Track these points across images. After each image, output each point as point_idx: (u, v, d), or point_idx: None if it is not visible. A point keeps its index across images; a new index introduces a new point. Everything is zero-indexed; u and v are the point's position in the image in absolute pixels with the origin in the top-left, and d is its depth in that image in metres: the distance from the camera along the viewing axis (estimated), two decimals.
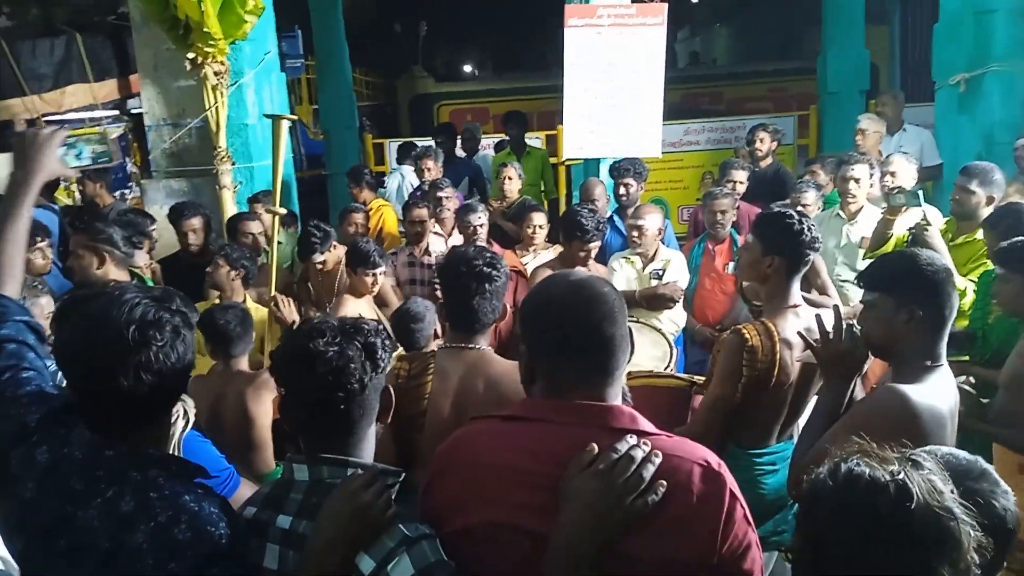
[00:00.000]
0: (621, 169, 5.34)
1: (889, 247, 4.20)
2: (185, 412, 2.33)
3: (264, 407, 3.19)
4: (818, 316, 2.34)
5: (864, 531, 1.16)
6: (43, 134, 2.03)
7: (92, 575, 1.40)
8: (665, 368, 3.78)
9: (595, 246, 4.31)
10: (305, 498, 1.52)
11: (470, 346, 2.44)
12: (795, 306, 2.67)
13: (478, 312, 2.42)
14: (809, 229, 2.67)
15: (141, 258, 4.54)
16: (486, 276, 2.42)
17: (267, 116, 3.76)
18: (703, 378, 2.96)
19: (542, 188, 7.62)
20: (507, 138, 7.91)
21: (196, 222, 5.10)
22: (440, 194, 5.66)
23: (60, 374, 3.27)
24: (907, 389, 2.01)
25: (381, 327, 1.63)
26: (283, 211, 4.18)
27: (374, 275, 4.13)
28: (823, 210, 5.22)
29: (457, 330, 2.48)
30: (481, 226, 4.66)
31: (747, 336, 2.58)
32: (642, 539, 1.34)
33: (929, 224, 3.88)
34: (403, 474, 1.57)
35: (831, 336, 2.28)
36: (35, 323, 1.80)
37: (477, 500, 1.44)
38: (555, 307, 1.48)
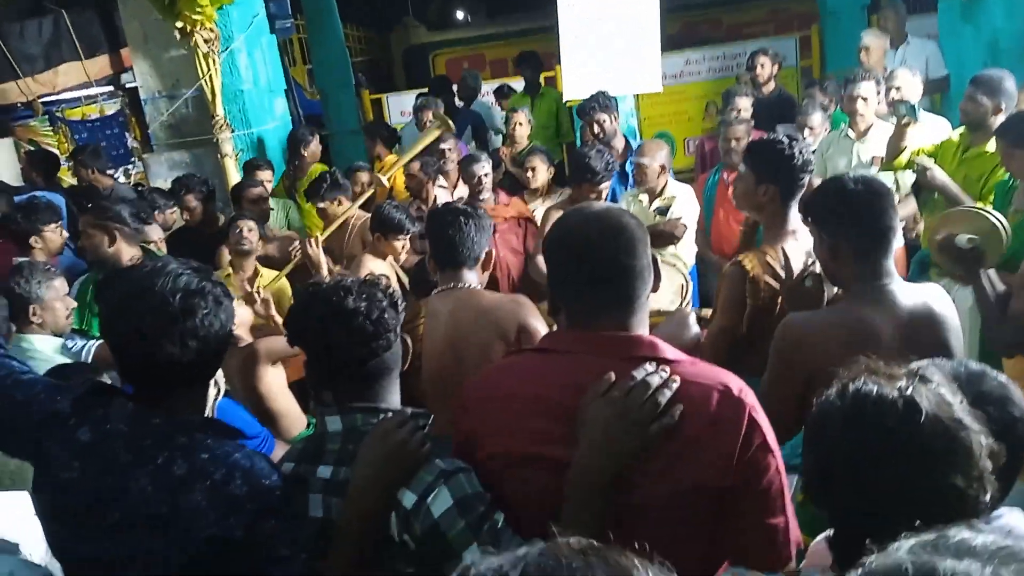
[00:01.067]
0: (587, 108, 5.28)
1: (902, 162, 4.19)
2: (215, 381, 2.40)
3: (265, 380, 3.19)
4: (783, 252, 2.39)
5: (874, 449, 1.17)
6: None
7: (150, 540, 1.45)
8: (683, 303, 3.80)
9: (605, 187, 4.29)
10: (342, 447, 1.58)
11: (459, 285, 2.56)
12: (792, 232, 2.68)
13: (458, 245, 2.58)
14: (801, 152, 2.66)
15: (155, 232, 4.56)
16: (462, 211, 2.63)
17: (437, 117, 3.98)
18: (709, 311, 2.99)
19: (558, 130, 7.42)
20: (506, 84, 7.82)
21: (191, 199, 5.10)
22: (443, 146, 5.64)
23: (86, 349, 3.36)
24: (799, 316, 2.17)
25: (393, 282, 1.68)
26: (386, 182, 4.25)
27: (405, 240, 4.15)
28: (830, 131, 5.18)
29: (444, 269, 2.63)
30: (486, 175, 4.65)
31: (748, 266, 2.60)
32: (659, 463, 1.37)
33: (928, 167, 3.86)
34: (432, 416, 1.62)
35: (793, 275, 2.38)
36: None
37: (503, 430, 1.48)
38: (575, 239, 1.50)
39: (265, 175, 5.54)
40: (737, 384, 1.43)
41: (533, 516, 1.33)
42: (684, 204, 4.53)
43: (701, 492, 1.37)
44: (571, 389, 1.43)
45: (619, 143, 5.54)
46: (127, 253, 3.64)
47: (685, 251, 4.55)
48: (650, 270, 1.52)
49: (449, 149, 5.61)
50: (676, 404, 1.37)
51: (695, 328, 2.42)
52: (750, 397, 1.43)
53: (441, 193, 5.35)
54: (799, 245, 2.65)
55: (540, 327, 2.55)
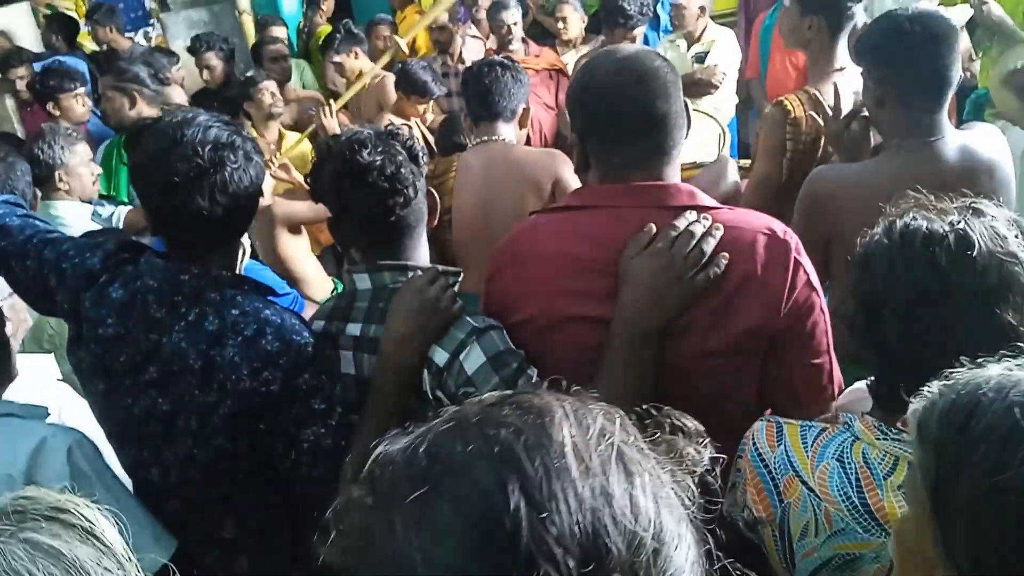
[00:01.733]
0: None
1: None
2: (241, 243, 2.39)
3: (284, 243, 3.15)
4: (835, 89, 2.23)
5: (923, 285, 1.13)
6: None
7: (188, 395, 1.48)
8: (719, 153, 3.67)
9: (640, 32, 4.09)
10: (371, 304, 1.56)
11: (493, 138, 2.51)
12: (841, 69, 2.53)
13: (495, 96, 2.56)
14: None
15: (177, 94, 4.46)
16: (499, 63, 2.62)
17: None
18: (748, 161, 2.88)
19: None
20: None
21: (210, 57, 4.96)
22: None
23: (116, 215, 3.36)
24: (825, 170, 2.06)
25: (414, 131, 1.61)
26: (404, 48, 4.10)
27: (427, 104, 4.04)
28: None
29: (478, 121, 2.62)
30: (515, 24, 4.42)
31: (789, 107, 2.46)
32: (705, 312, 1.36)
33: (985, 1, 3.58)
34: (461, 273, 1.59)
35: (839, 113, 2.23)
36: (15, 198, 1.82)
37: (538, 291, 1.46)
38: (603, 86, 1.42)
39: (280, 31, 5.37)
40: (780, 226, 1.41)
41: (572, 377, 1.31)
42: (723, 50, 4.32)
43: (751, 339, 1.36)
44: (609, 244, 1.39)
45: None
46: (148, 115, 3.58)
47: (724, 100, 4.36)
48: (683, 116, 1.45)
49: None
50: (722, 252, 1.34)
51: (734, 177, 2.33)
52: (793, 238, 1.40)
53: (473, 44, 5.14)
54: (848, 84, 2.50)
55: (576, 182, 2.48)
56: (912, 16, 1.96)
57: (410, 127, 1.62)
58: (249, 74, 4.46)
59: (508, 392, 0.67)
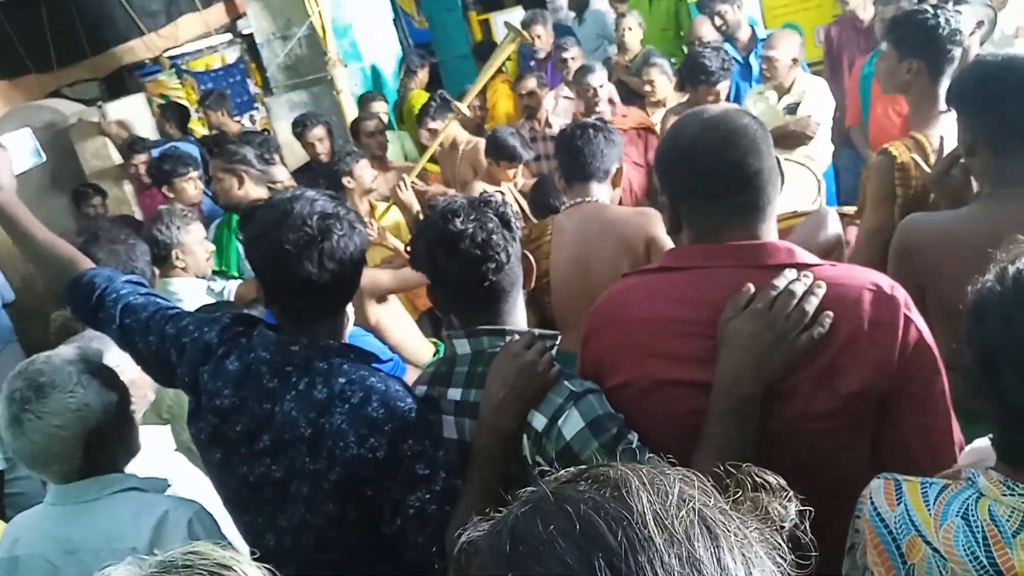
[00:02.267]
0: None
1: None
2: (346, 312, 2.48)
3: (374, 316, 3.21)
4: (939, 136, 2.17)
5: None
6: None
7: (299, 462, 1.53)
8: (816, 204, 3.61)
9: (724, 87, 4.09)
10: (471, 369, 1.59)
11: (586, 199, 2.58)
12: (945, 111, 2.46)
13: (586, 156, 2.59)
14: (947, 21, 2.40)
15: (280, 173, 4.70)
16: (591, 124, 2.64)
17: (452, 107, 3.93)
18: (853, 208, 2.81)
19: (680, 32, 6.90)
20: None
21: (319, 131, 5.22)
22: (565, 55, 5.52)
23: (227, 290, 3.52)
24: (917, 218, 1.99)
25: (506, 198, 1.65)
26: (467, 111, 4.27)
27: (518, 168, 4.15)
28: None
29: (571, 182, 2.64)
30: (600, 87, 4.50)
31: (895, 153, 2.40)
32: (810, 375, 1.31)
33: None
34: (559, 336, 1.60)
35: (940, 158, 2.17)
36: (137, 278, 1.91)
37: (634, 355, 1.44)
38: (692, 147, 1.42)
39: (380, 106, 5.60)
40: (887, 281, 1.36)
41: (672, 444, 1.30)
42: (815, 99, 4.26)
43: (860, 401, 1.31)
44: (706, 306, 1.37)
45: (744, 34, 5.26)
46: (255, 194, 3.78)
47: (819, 150, 4.29)
48: (776, 172, 1.43)
49: (572, 58, 5.47)
50: (825, 311, 1.31)
51: (834, 228, 2.28)
52: (901, 293, 1.35)
53: (565, 105, 5.24)
54: (954, 127, 2.43)
55: (667, 240, 2.48)
56: (1003, 62, 1.90)
57: (503, 193, 1.66)
58: (348, 150, 4.65)
59: (583, 467, 0.66)
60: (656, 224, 2.54)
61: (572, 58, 5.47)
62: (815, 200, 3.63)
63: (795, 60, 4.24)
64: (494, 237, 1.54)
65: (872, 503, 1.22)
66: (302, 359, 1.56)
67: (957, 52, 2.45)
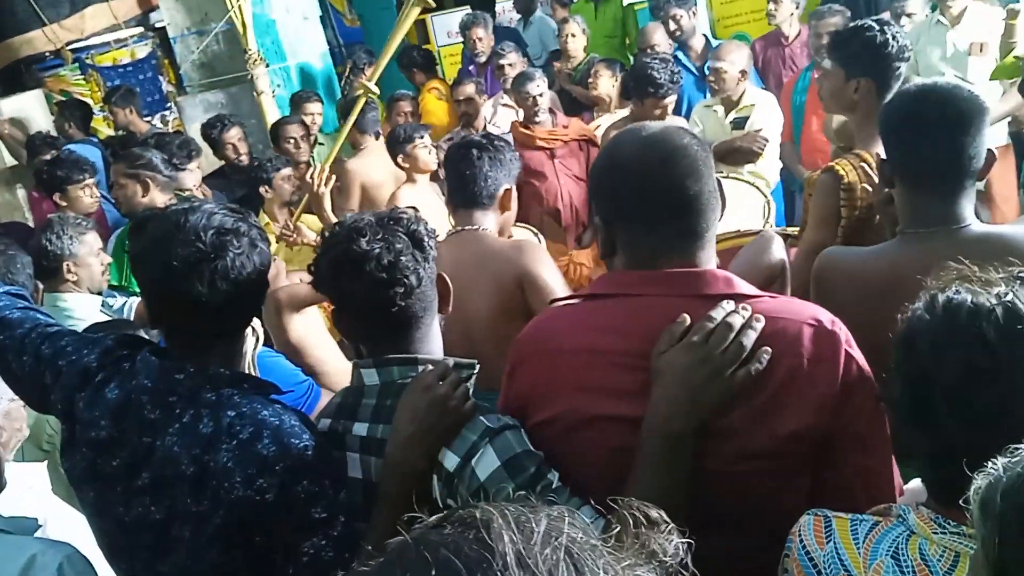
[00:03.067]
0: (661, 3, 5.11)
1: (1009, 62, 3.90)
2: (254, 330, 2.40)
3: (294, 330, 3.11)
4: (878, 157, 2.20)
5: (973, 362, 1.11)
6: None
7: (180, 503, 1.47)
8: (764, 224, 3.64)
9: (671, 101, 4.14)
10: (378, 402, 1.55)
11: (469, 228, 2.54)
12: None
13: (468, 182, 2.53)
14: (894, 38, 2.45)
15: (190, 179, 4.57)
16: (476, 144, 2.58)
17: (359, 85, 3.88)
18: (797, 229, 2.85)
19: (626, 40, 7.00)
20: None
21: (236, 132, 5.13)
22: (502, 61, 5.54)
23: (127, 306, 3.40)
24: (834, 251, 2.04)
25: (419, 214, 1.62)
26: (376, 90, 4.19)
27: (419, 145, 4.13)
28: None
29: (457, 209, 2.60)
30: (540, 95, 4.50)
31: (841, 172, 2.44)
32: (747, 413, 1.32)
33: None
34: (477, 365, 1.58)
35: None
36: (16, 289, 1.86)
37: (561, 389, 1.43)
38: (628, 167, 1.43)
39: (314, 108, 5.52)
40: (827, 316, 1.38)
41: (599, 483, 1.31)
42: (764, 114, 4.34)
43: (799, 441, 1.33)
44: (639, 336, 1.37)
45: (698, 42, 5.34)
46: (161, 202, 3.67)
47: (767, 168, 4.36)
48: (716, 196, 1.44)
49: (510, 65, 5.49)
50: (764, 346, 1.31)
51: (779, 253, 2.29)
52: (842, 329, 1.37)
53: (504, 113, 5.24)
54: None
55: (548, 276, 2.47)
56: (929, 93, 1.89)
57: (416, 209, 1.62)
58: (270, 156, 4.58)
59: (451, 510, 0.68)
60: (531, 258, 2.48)
61: (510, 64, 5.49)
62: (764, 222, 3.66)
63: (743, 72, 4.31)
64: (403, 259, 1.51)
65: (801, 541, 1.24)
66: (188, 389, 1.51)
67: (904, 68, 2.50)
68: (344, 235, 1.53)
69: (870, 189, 2.37)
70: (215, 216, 1.51)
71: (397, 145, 4.24)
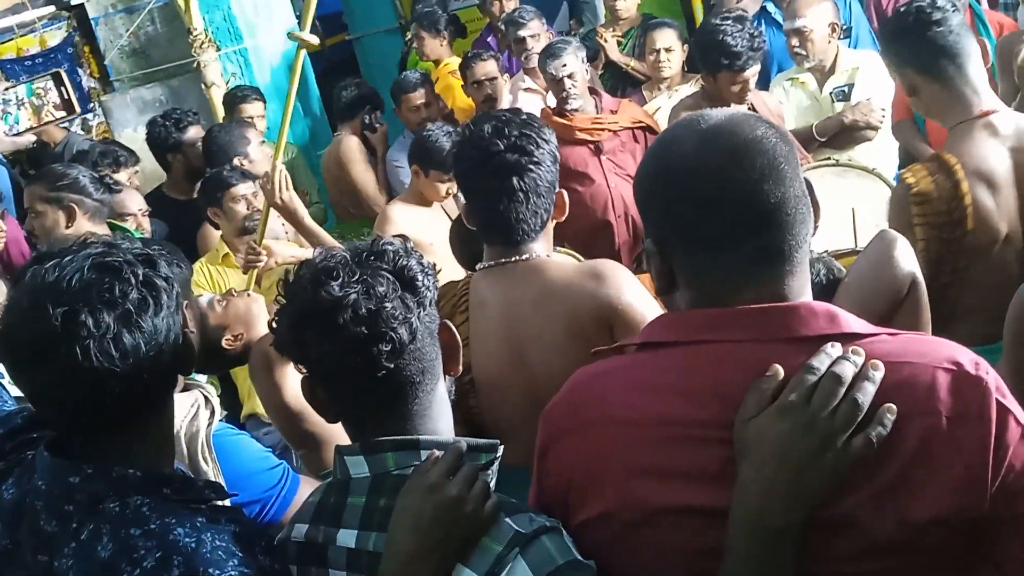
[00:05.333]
0: None
1: None
2: (208, 402, 2.43)
3: (289, 389, 3.18)
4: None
5: None
6: None
7: None
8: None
9: (752, 74, 4.16)
10: (369, 502, 1.55)
11: (515, 259, 2.50)
12: (984, 114, 2.54)
13: (511, 218, 2.47)
14: (938, 8, 2.54)
15: (132, 201, 4.60)
16: (511, 166, 2.44)
17: (292, 38, 3.81)
18: None
19: None
20: None
21: (195, 134, 5.20)
22: (521, 33, 5.60)
23: None
24: None
25: (410, 244, 1.62)
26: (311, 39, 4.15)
27: (451, 182, 4.13)
28: None
29: (493, 244, 2.55)
30: (570, 76, 4.51)
31: (911, 180, 2.49)
32: (869, 495, 1.31)
33: None
34: (500, 447, 1.58)
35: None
36: None
37: (615, 473, 1.43)
38: (687, 172, 1.43)
39: (254, 109, 5.59)
40: (969, 357, 1.36)
41: None
42: (871, 77, 4.37)
43: (939, 529, 1.30)
44: (716, 398, 1.37)
45: None
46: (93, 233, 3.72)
47: (883, 149, 4.37)
48: (806, 202, 1.44)
49: (531, 36, 5.56)
50: (886, 403, 1.30)
51: (906, 263, 2.25)
52: (990, 373, 1.35)
53: (527, 100, 5.30)
54: (998, 137, 2.53)
55: (642, 308, 2.43)
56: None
57: (405, 238, 1.62)
58: (225, 170, 4.63)
59: None
60: (617, 286, 2.45)
61: (532, 36, 5.55)
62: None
63: (833, 27, 4.36)
64: (387, 306, 1.51)
65: None
66: (86, 497, 1.51)
67: (959, 42, 2.55)
68: (310, 278, 1.53)
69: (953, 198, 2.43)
70: (75, 277, 1.49)
71: (207, 194, 4.33)
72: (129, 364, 1.50)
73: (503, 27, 6.11)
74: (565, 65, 4.49)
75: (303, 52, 3.78)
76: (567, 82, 4.49)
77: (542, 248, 2.54)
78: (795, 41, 4.39)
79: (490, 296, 2.54)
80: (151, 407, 1.61)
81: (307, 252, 3.61)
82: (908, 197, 2.47)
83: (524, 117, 2.54)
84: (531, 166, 2.44)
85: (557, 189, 2.55)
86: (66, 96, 2.14)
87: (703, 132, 1.45)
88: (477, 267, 2.63)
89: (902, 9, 2.62)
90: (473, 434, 2.40)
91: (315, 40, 3.87)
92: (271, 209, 3.80)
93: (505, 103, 5.47)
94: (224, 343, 2.78)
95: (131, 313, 1.50)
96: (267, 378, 2.93)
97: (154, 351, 1.53)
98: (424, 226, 4.21)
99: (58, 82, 2.11)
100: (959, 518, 1.30)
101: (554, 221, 2.59)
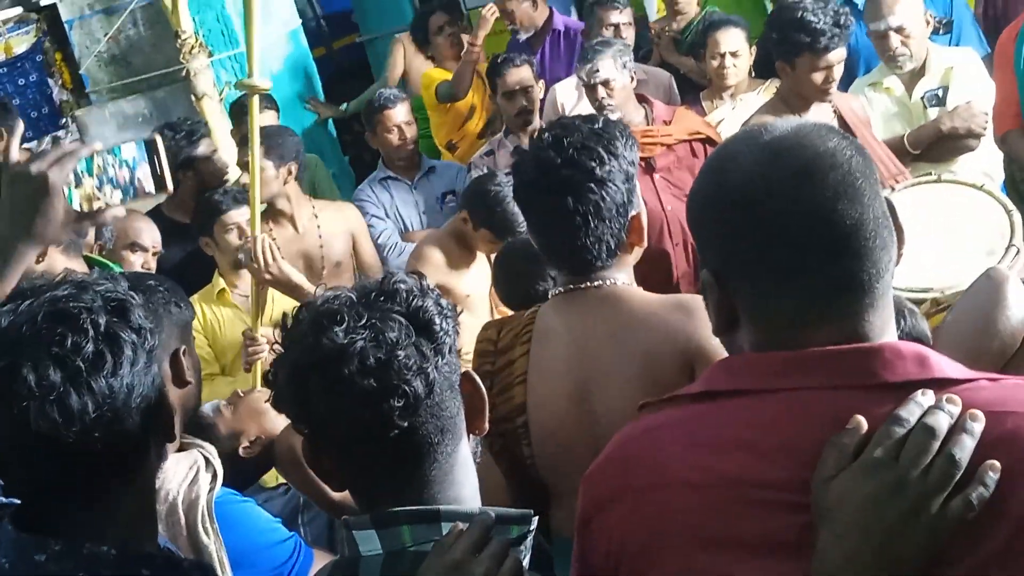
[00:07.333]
0: None
1: None
2: (209, 464, 2.45)
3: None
4: None
5: None
6: (50, 172, 2.00)
7: None
8: (1008, 255, 3.45)
9: (838, 58, 4.19)
10: None
11: (585, 285, 2.51)
12: None
13: (569, 243, 2.48)
14: None
15: (148, 235, 4.60)
16: (566, 183, 2.43)
17: (240, 88, 3.82)
18: None
19: None
20: None
21: (204, 148, 5.29)
22: (615, 19, 5.82)
23: None
24: None
25: (426, 281, 1.64)
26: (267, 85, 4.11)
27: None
28: None
29: (565, 271, 2.56)
30: (604, 83, 4.59)
31: None
32: (971, 568, 1.30)
33: None
34: (534, 518, 1.59)
35: None
36: None
37: (672, 543, 1.44)
38: (749, 190, 1.44)
39: (267, 119, 5.69)
40: None
41: None
42: (970, 78, 4.44)
43: None
44: (789, 455, 1.38)
45: None
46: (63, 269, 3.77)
47: (989, 158, 4.38)
48: (888, 225, 1.44)
49: (624, 24, 5.76)
50: (988, 458, 1.30)
51: (1019, 308, 2.23)
52: None
53: (568, 96, 5.37)
54: None
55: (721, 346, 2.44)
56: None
57: (421, 275, 1.63)
58: (219, 192, 4.68)
59: None
60: (708, 323, 2.46)
61: (624, 24, 5.72)
62: (1006, 250, 3.50)
63: (930, 21, 4.43)
64: (400, 355, 1.52)
65: None
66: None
67: None
68: (310, 323, 1.55)
69: None
70: (25, 326, 1.52)
71: (199, 221, 4.48)
72: (75, 430, 1.51)
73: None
74: (598, 71, 4.58)
75: (256, 99, 3.74)
76: (601, 90, 4.59)
77: (620, 276, 2.55)
78: (894, 42, 4.40)
79: (558, 325, 2.57)
80: (119, 477, 1.62)
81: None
82: None
83: (597, 125, 2.53)
84: (591, 184, 2.43)
85: (633, 212, 2.54)
86: (158, 170, 2.11)
87: (766, 145, 1.46)
88: (550, 294, 2.65)
89: None
90: (527, 493, 2.45)
91: (267, 84, 3.87)
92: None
93: (564, 103, 5.59)
94: (242, 452, 2.81)
95: (80, 371, 1.52)
96: (302, 474, 2.93)
97: (110, 414, 1.54)
98: (463, 273, 4.38)
99: (152, 151, 2.08)
100: None
101: (635, 248, 2.59)
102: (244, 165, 4.36)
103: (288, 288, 3.68)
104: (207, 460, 2.45)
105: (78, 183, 2.02)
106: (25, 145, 6.76)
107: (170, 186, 2.20)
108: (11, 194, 1.98)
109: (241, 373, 4.15)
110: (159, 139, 2.19)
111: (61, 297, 1.56)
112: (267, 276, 3.61)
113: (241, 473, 2.84)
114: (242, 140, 4.75)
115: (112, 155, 2.11)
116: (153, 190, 2.17)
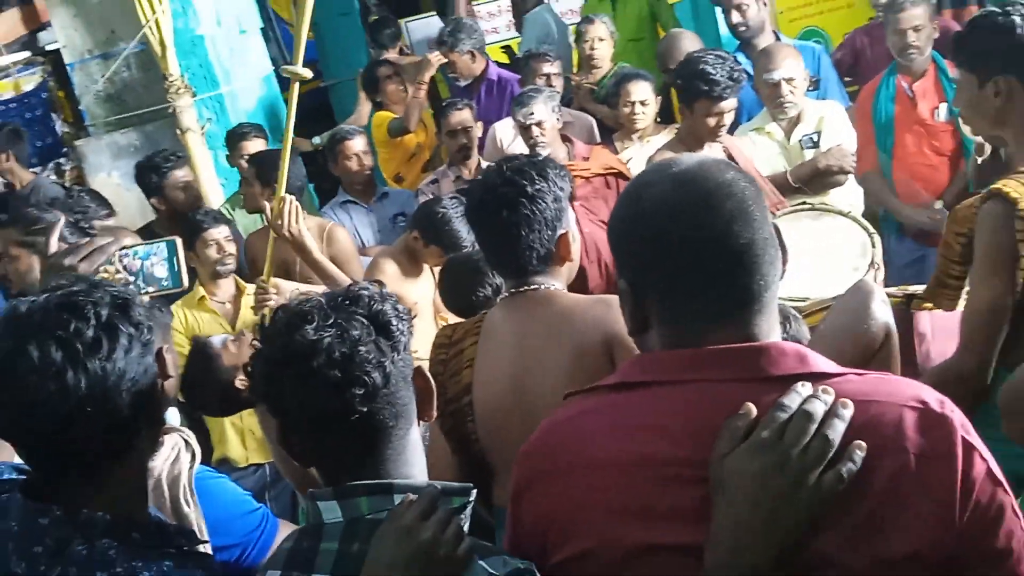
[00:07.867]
0: None
1: None
2: (188, 446, 2.42)
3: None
4: None
5: None
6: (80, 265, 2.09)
7: None
8: (867, 270, 3.57)
9: (730, 107, 4.22)
10: (342, 547, 1.55)
11: (523, 288, 2.57)
12: None
13: (508, 253, 2.55)
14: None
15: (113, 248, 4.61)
16: (503, 199, 2.51)
17: (286, 72, 3.80)
18: (922, 287, 2.88)
19: (653, 42, 7.01)
20: None
21: (182, 174, 5.27)
22: (547, 69, 5.91)
23: None
24: None
25: (386, 289, 1.65)
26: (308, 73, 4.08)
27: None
28: None
29: (509, 277, 2.63)
30: (538, 124, 4.66)
31: (1014, 195, 2.42)
32: (842, 533, 1.32)
33: None
34: (473, 490, 1.59)
35: None
36: None
37: (591, 515, 1.43)
38: (659, 215, 1.45)
39: (255, 146, 5.63)
40: (934, 396, 1.38)
41: None
42: (837, 125, 4.57)
43: (914, 565, 1.31)
44: (690, 437, 1.38)
45: (766, 39, 5.44)
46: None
47: (850, 193, 4.57)
48: (775, 244, 1.47)
49: (555, 75, 5.79)
50: (855, 439, 1.32)
51: (881, 314, 2.26)
52: (957, 413, 1.37)
53: (506, 134, 5.44)
54: None
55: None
56: None
57: (381, 283, 1.66)
58: (201, 212, 4.70)
59: None
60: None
61: (554, 74, 5.82)
62: (868, 267, 3.61)
63: (807, 79, 4.58)
64: (361, 350, 1.53)
65: None
66: (55, 540, 1.51)
67: None
68: (285, 323, 1.55)
69: None
70: (38, 312, 1.52)
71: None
72: (68, 405, 1.50)
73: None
74: (533, 113, 4.65)
75: (296, 86, 3.80)
76: (535, 130, 4.64)
77: (556, 283, 2.60)
78: (785, 90, 4.52)
79: (502, 322, 2.62)
80: (112, 453, 1.60)
81: (317, 288, 3.57)
82: (1013, 214, 2.41)
83: (535, 158, 2.72)
84: (523, 199, 2.49)
85: (562, 230, 2.58)
86: (176, 267, 2.14)
87: (675, 176, 1.48)
88: (498, 298, 2.74)
89: (990, 11, 2.60)
90: (473, 469, 2.47)
91: (308, 73, 3.89)
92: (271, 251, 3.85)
93: (503, 139, 5.65)
94: (238, 383, 2.79)
95: (78, 352, 1.51)
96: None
97: (101, 393, 1.52)
98: (412, 282, 4.38)
99: (171, 251, 2.12)
100: (932, 554, 1.31)
101: (566, 263, 2.64)
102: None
103: (299, 248, 3.70)
104: (186, 442, 2.43)
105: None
106: (31, 170, 6.69)
107: (186, 282, 2.28)
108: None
109: None
110: (179, 241, 2.25)
111: (74, 292, 1.55)
112: (287, 234, 3.62)
113: (235, 400, 2.86)
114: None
115: (135, 256, 2.20)
116: (171, 286, 2.23)
